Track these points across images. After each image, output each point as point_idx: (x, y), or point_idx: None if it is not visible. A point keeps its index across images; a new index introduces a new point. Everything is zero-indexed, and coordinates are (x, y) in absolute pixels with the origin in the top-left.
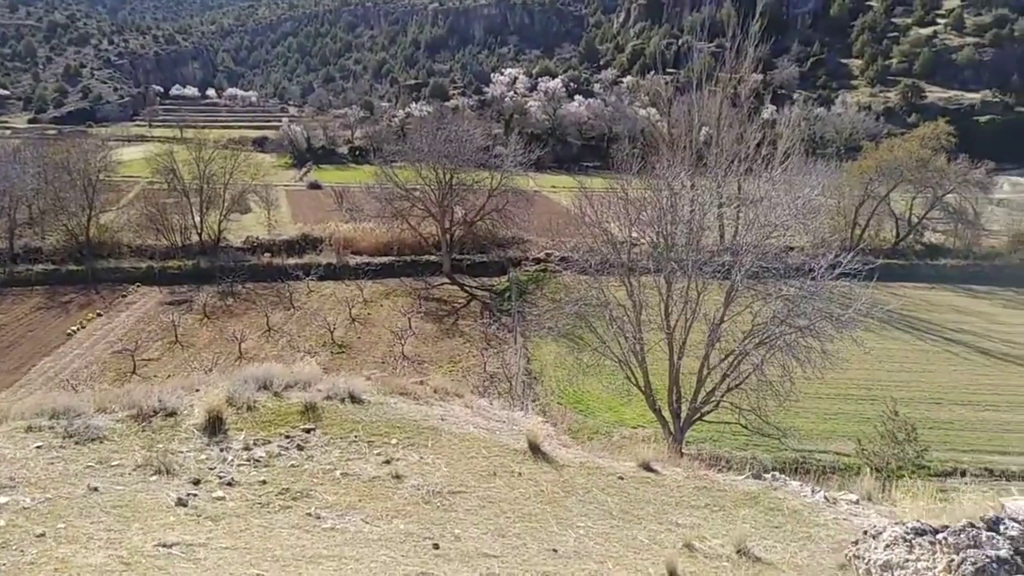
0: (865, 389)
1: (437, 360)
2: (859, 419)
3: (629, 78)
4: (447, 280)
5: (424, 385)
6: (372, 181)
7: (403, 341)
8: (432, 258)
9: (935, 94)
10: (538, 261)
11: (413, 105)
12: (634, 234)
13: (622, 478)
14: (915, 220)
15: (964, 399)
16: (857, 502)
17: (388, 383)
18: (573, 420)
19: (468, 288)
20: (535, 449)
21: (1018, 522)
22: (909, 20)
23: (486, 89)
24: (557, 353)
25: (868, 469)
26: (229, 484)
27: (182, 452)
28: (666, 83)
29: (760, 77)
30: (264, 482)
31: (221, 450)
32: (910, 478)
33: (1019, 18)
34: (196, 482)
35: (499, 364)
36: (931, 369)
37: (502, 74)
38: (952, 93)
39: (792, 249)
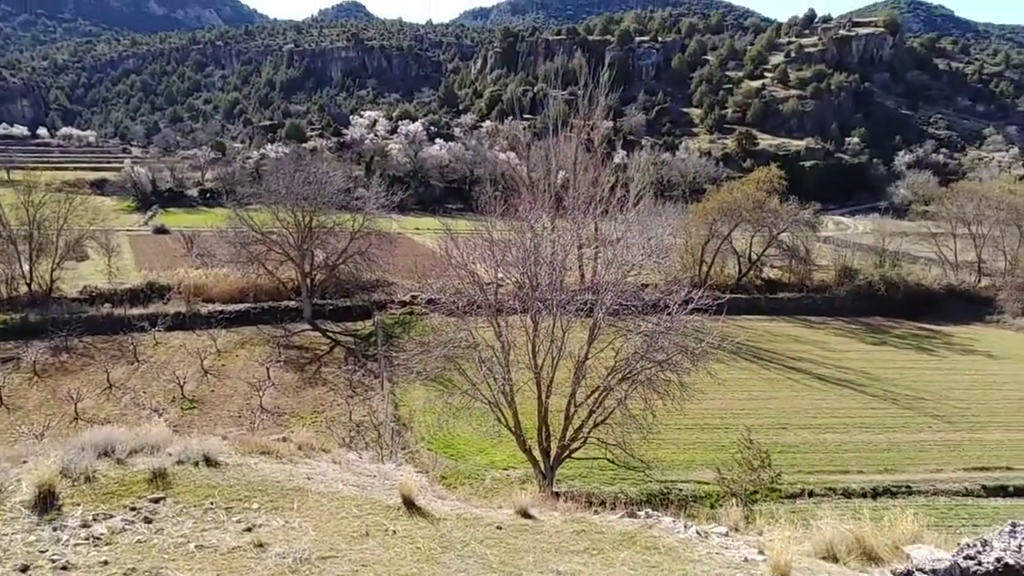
0: (720, 418)
1: (300, 411)
2: (716, 447)
3: (488, 123)
4: (308, 326)
5: (287, 442)
6: (225, 224)
7: (262, 393)
8: (292, 304)
9: (766, 141)
10: (404, 304)
11: (269, 146)
12: (500, 275)
13: (500, 527)
14: (755, 257)
15: (806, 423)
16: (727, 534)
17: (247, 442)
18: (444, 466)
19: (331, 334)
20: (409, 504)
21: (926, 572)
22: (741, 74)
23: (345, 131)
24: (426, 397)
25: (733, 499)
26: (64, 568)
27: (7, 535)
28: (524, 128)
29: (611, 124)
30: (106, 563)
31: (54, 529)
32: (764, 502)
33: (834, 73)
34: (24, 569)
35: (366, 412)
36: (776, 396)
37: (362, 116)
38: (780, 140)
39: (647, 286)
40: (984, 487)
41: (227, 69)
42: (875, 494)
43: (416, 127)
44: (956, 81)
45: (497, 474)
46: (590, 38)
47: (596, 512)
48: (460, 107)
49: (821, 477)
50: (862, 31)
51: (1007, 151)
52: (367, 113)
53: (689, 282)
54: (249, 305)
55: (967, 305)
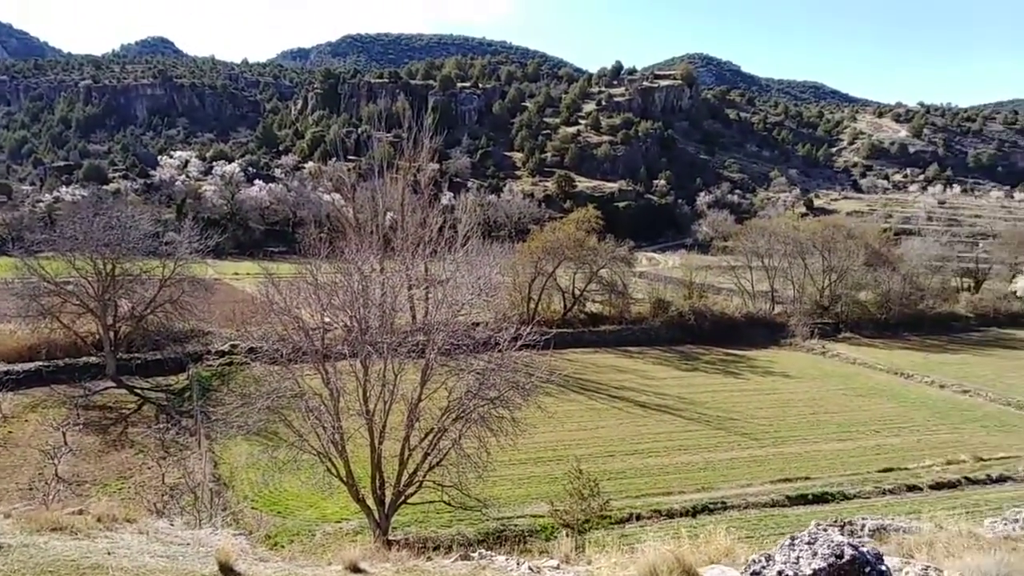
0: (552, 450)
1: (103, 479)
2: (549, 480)
3: (311, 164)
4: (113, 383)
5: (84, 514)
6: (11, 275)
7: (57, 461)
8: (93, 359)
9: (583, 183)
10: (222, 354)
11: (63, 188)
12: (327, 319)
13: None
14: (578, 293)
15: (631, 449)
16: (558, 567)
17: (35, 518)
18: (271, 524)
19: (139, 390)
20: (227, 570)
21: None
22: (558, 120)
23: (154, 172)
24: (249, 453)
25: (563, 531)
26: None
27: None
28: (349, 169)
29: (437, 166)
30: None
31: None
32: (596, 529)
33: (641, 121)
34: None
35: (181, 473)
36: (603, 425)
37: (172, 156)
38: (596, 183)
39: (478, 325)
40: (788, 497)
41: (13, 105)
42: (695, 512)
43: (233, 168)
44: (745, 129)
45: (329, 528)
46: (413, 82)
47: (429, 559)
48: (280, 148)
49: (647, 500)
50: (663, 83)
51: (790, 191)
52: (178, 153)
53: (518, 319)
54: (41, 363)
55: (765, 330)
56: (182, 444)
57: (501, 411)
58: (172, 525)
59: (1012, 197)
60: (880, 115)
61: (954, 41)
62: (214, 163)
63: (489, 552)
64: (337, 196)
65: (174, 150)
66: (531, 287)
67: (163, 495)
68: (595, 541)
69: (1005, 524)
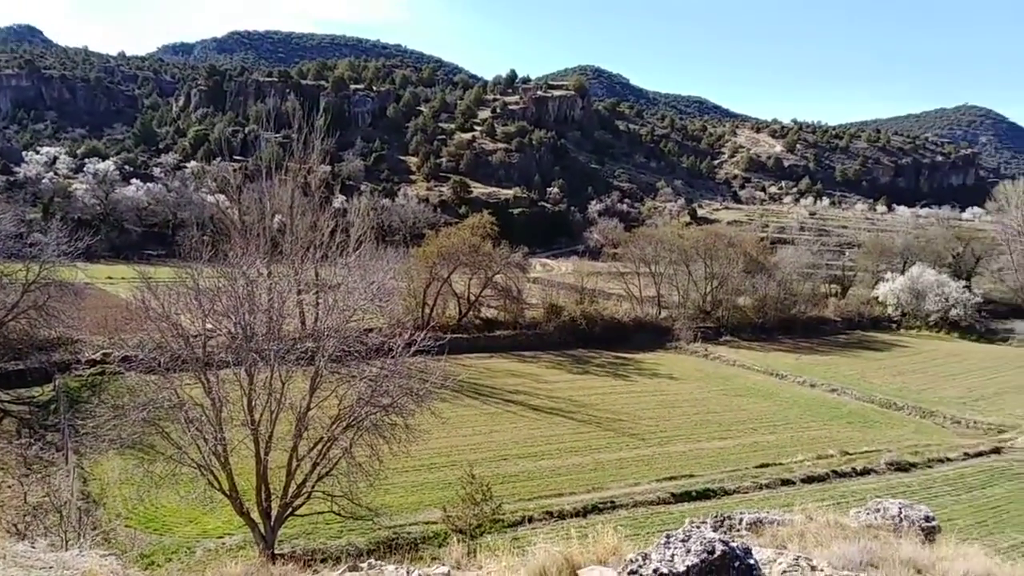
0: (446, 456)
1: None
2: (443, 486)
3: (193, 163)
4: None
5: None
6: None
7: None
8: None
9: (479, 189)
10: (93, 363)
11: None
12: (209, 326)
13: None
14: (473, 298)
15: (525, 452)
16: (448, 573)
17: None
18: (146, 543)
19: None
20: None
21: None
22: (453, 126)
23: (17, 169)
24: (122, 468)
25: (454, 537)
26: None
27: None
28: (235, 170)
29: (329, 168)
30: None
31: None
32: (490, 533)
33: (535, 130)
34: None
35: (45, 491)
36: (497, 429)
37: (38, 152)
38: (492, 189)
39: (371, 331)
40: (672, 494)
41: None
42: (585, 512)
43: (107, 166)
44: (633, 140)
45: (211, 544)
46: (304, 82)
47: (316, 572)
48: (160, 146)
49: (539, 502)
50: (556, 93)
51: (676, 201)
52: (45, 149)
53: (413, 324)
54: None
55: (652, 334)
56: (47, 460)
57: (394, 418)
58: (34, 547)
59: (874, 210)
60: (758, 130)
61: (824, 63)
62: (86, 160)
63: (379, 562)
64: (222, 197)
65: (41, 145)
66: (426, 292)
67: (25, 515)
68: (488, 545)
69: (868, 514)
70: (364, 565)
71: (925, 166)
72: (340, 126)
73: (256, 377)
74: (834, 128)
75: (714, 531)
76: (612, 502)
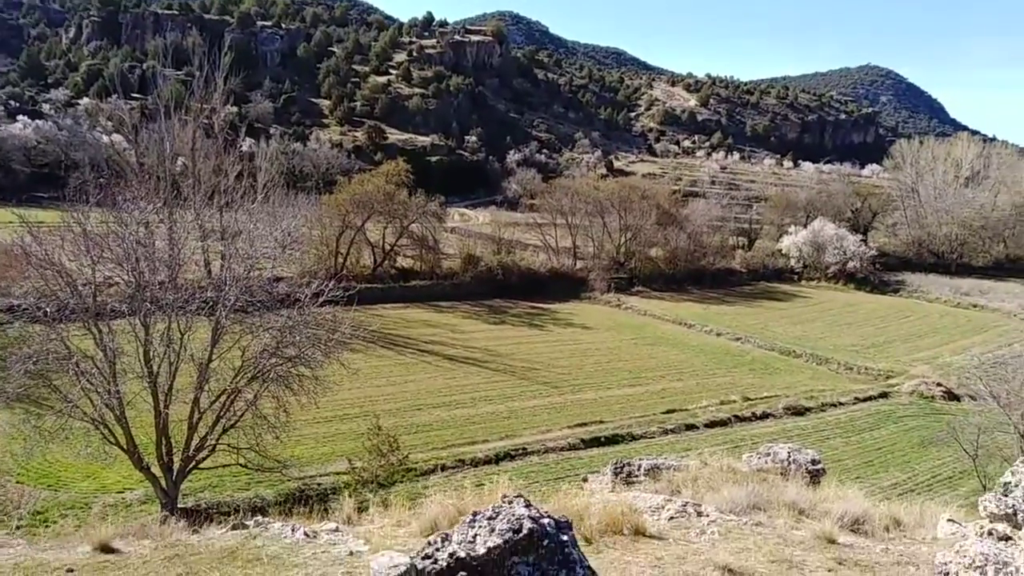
0: (358, 407)
1: None
2: (354, 437)
3: (87, 100)
4: None
5: None
6: None
7: None
8: None
9: (395, 135)
10: None
11: None
12: (106, 273)
13: (71, 571)
14: (388, 247)
15: (439, 402)
16: (337, 529)
17: None
18: (39, 499)
19: None
20: None
21: None
22: (368, 68)
23: None
24: (9, 423)
25: (364, 488)
26: None
27: None
28: (132, 109)
29: (235, 110)
30: None
31: None
32: (401, 483)
33: (453, 76)
34: None
35: None
36: (412, 379)
37: None
38: (408, 135)
39: (280, 280)
40: (582, 440)
41: None
42: (497, 459)
43: None
44: (552, 90)
45: (110, 499)
46: (207, 17)
47: (196, 531)
48: (49, 80)
49: (453, 451)
50: (474, 38)
51: (592, 153)
52: None
53: (325, 274)
54: None
55: (567, 285)
56: None
57: (302, 369)
58: None
59: (781, 165)
60: (673, 84)
61: (738, 17)
62: None
63: (265, 519)
64: (118, 138)
65: None
66: (339, 241)
67: None
68: (383, 499)
69: (759, 458)
70: (250, 523)
71: (830, 123)
72: (247, 65)
73: (153, 328)
74: (746, 84)
75: (615, 476)
76: (524, 449)
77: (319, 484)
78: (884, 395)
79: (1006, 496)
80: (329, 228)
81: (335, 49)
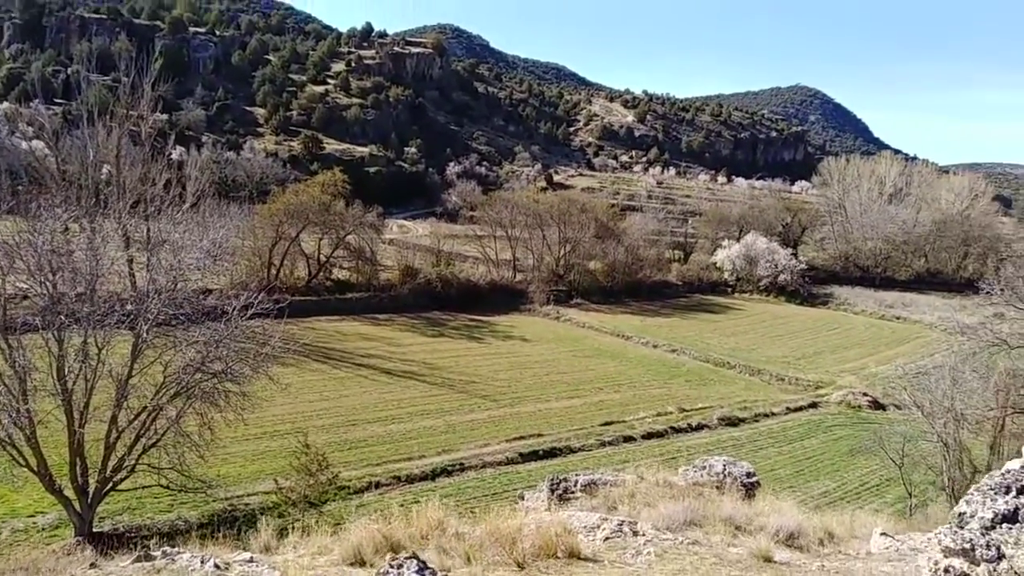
0: (289, 423)
1: None
2: (285, 454)
3: (7, 104)
4: None
5: None
6: None
7: None
8: None
9: (332, 146)
10: None
11: None
12: (15, 285)
13: None
14: (323, 259)
15: (374, 417)
16: (251, 560)
17: None
18: None
19: None
20: None
21: None
22: (304, 78)
23: None
24: None
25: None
26: None
27: None
28: (54, 114)
29: (164, 117)
30: None
31: None
32: (334, 501)
33: (392, 87)
34: None
35: None
36: (346, 394)
37: None
38: (345, 146)
39: (210, 292)
40: (521, 454)
41: None
42: (434, 475)
43: None
44: (492, 104)
45: (20, 524)
46: (136, 21)
47: (93, 566)
48: None
49: (388, 467)
50: (415, 50)
51: (533, 167)
52: None
53: (256, 285)
54: None
55: (507, 297)
56: None
57: (228, 385)
58: None
59: (716, 180)
60: (611, 100)
61: (673, 36)
62: None
63: (175, 549)
64: (38, 144)
65: None
66: (272, 252)
67: None
68: (330, 513)
69: (695, 472)
70: (158, 554)
71: (761, 141)
72: (178, 72)
73: (68, 343)
74: (682, 101)
75: (551, 493)
76: (461, 464)
77: (247, 504)
78: (814, 405)
79: (962, 529)
80: (262, 239)
81: (271, 57)
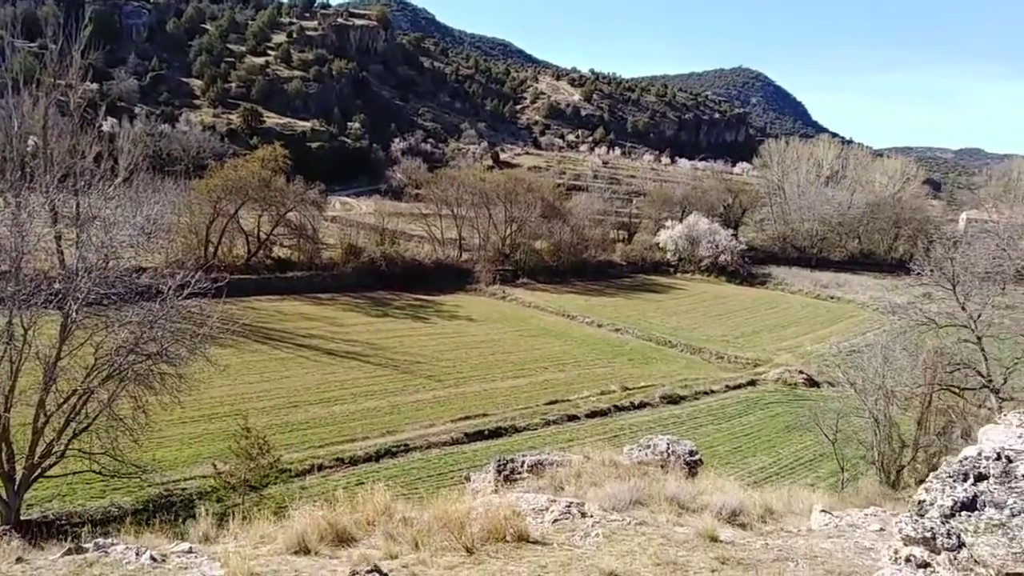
0: (229, 405)
1: None
2: (224, 437)
3: None
4: None
5: None
6: None
7: None
8: None
9: (272, 119)
10: None
11: None
12: None
13: None
14: (263, 237)
15: (317, 398)
16: (190, 551)
17: None
18: None
19: None
20: None
21: None
22: (244, 48)
23: None
24: None
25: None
26: None
27: None
28: None
29: (95, 86)
30: None
31: None
32: (275, 484)
33: (335, 59)
34: None
35: None
36: (288, 375)
37: None
38: (287, 120)
39: (144, 270)
40: (466, 434)
41: None
42: (378, 456)
43: None
44: (438, 79)
45: None
46: None
47: (20, 559)
48: None
49: (331, 449)
50: (359, 22)
51: (479, 144)
52: None
53: (193, 264)
54: None
55: (452, 276)
56: None
57: (164, 367)
58: None
59: (660, 161)
60: (558, 78)
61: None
62: None
63: (108, 540)
64: None
65: None
66: (209, 229)
67: None
68: (272, 497)
69: (640, 450)
70: (89, 546)
71: (705, 122)
72: (109, 39)
73: None
74: (627, 81)
75: (498, 474)
76: (406, 445)
77: (183, 489)
78: (752, 383)
79: (922, 517)
80: (199, 215)
81: (208, 26)
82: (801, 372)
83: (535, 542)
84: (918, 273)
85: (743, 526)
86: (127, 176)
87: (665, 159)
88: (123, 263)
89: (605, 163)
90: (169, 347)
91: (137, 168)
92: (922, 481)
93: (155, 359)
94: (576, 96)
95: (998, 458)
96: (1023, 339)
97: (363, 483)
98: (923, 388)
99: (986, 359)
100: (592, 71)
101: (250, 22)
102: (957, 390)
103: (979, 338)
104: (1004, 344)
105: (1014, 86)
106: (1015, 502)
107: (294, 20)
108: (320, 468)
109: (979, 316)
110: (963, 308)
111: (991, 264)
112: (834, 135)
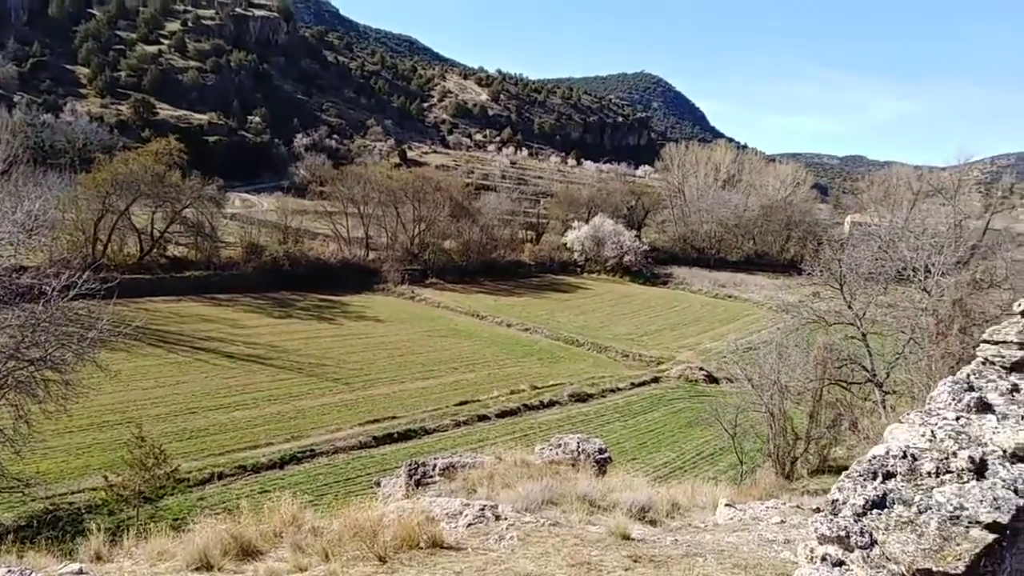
0: (120, 413)
1: None
2: (117, 446)
3: None
4: None
5: None
6: None
7: None
8: None
9: (166, 111)
10: None
11: None
12: None
13: None
14: (157, 234)
15: (216, 404)
16: (81, 571)
17: None
18: None
19: None
20: None
21: None
22: (135, 35)
23: None
24: None
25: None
26: None
27: None
28: None
29: None
30: None
31: None
32: (172, 495)
33: (234, 51)
34: None
35: None
36: (184, 380)
37: None
38: (182, 112)
39: (25, 270)
40: (375, 437)
41: None
42: (283, 463)
43: None
44: (343, 74)
45: None
46: None
47: None
48: None
49: (232, 456)
50: (259, 12)
51: (385, 141)
52: None
53: (80, 263)
54: None
55: (359, 276)
56: None
57: (48, 373)
58: None
59: (566, 163)
60: (465, 77)
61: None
62: None
63: None
64: None
65: None
66: (97, 226)
67: None
68: (169, 509)
69: (551, 450)
70: None
71: (609, 125)
72: None
73: None
74: (534, 82)
75: (409, 478)
76: (312, 450)
77: (71, 503)
78: (656, 380)
79: (835, 516)
80: (86, 211)
81: (95, 11)
82: (702, 369)
83: (450, 548)
84: (808, 273)
85: (652, 522)
86: (6, 168)
87: (571, 161)
88: (1, 262)
89: (513, 163)
90: (54, 352)
91: (17, 160)
92: (815, 472)
93: (39, 365)
94: (484, 96)
95: (904, 456)
96: (903, 335)
97: (268, 492)
98: (814, 383)
99: (871, 355)
100: (499, 71)
101: (141, 9)
102: (845, 384)
103: (864, 335)
104: (886, 340)
105: (896, 99)
106: (921, 499)
107: (189, 8)
108: (221, 477)
109: (864, 314)
110: (849, 307)
111: (874, 265)
112: (730, 140)
